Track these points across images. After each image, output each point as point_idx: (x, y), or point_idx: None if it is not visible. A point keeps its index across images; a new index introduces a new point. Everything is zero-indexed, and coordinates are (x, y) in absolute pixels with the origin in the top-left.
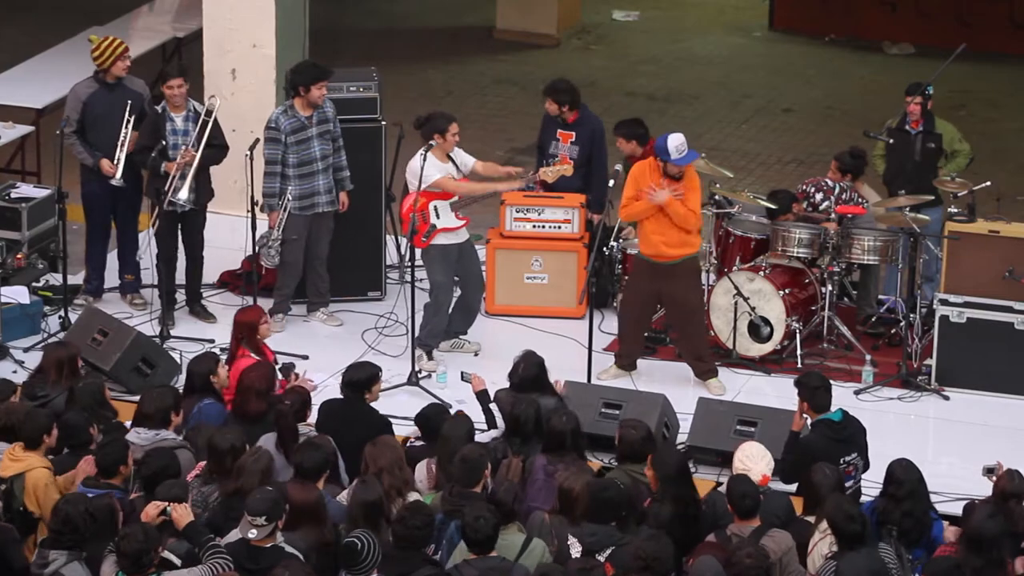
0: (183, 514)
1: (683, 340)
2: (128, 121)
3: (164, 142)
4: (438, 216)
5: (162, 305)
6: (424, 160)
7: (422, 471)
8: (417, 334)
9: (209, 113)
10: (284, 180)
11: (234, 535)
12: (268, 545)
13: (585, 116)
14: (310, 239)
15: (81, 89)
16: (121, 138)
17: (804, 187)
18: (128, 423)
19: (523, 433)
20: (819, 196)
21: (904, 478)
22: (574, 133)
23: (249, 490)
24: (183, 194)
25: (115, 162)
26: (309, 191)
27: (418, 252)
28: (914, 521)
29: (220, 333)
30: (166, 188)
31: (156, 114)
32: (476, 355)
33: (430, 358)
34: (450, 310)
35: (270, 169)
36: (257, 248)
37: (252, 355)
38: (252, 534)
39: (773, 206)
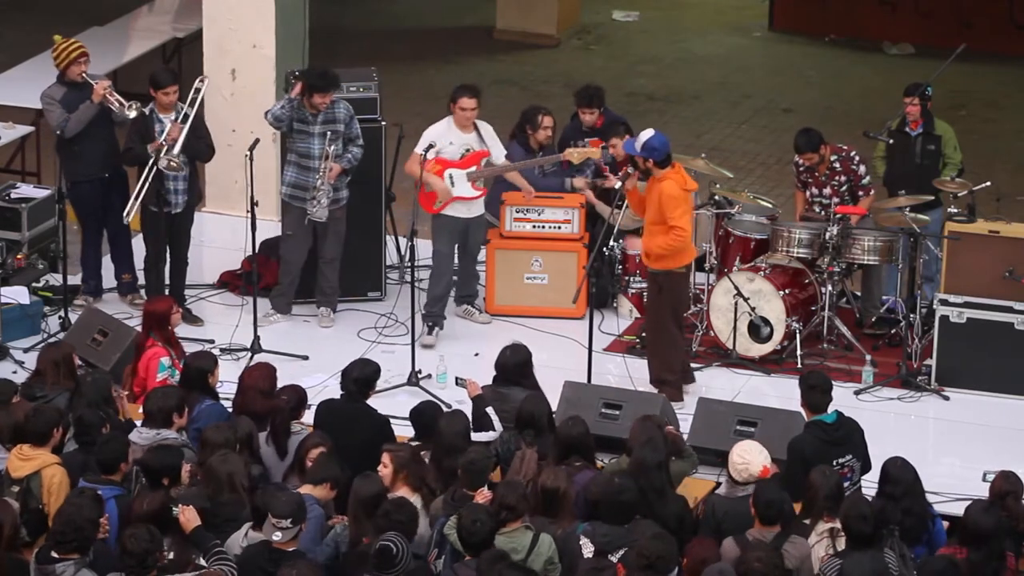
0: (191, 517)
1: (649, 357)
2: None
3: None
4: (453, 185)
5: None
6: (440, 129)
7: None
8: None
9: (198, 91)
10: (286, 166)
11: (256, 536)
12: (291, 549)
13: (606, 115)
14: (315, 239)
15: (53, 91)
16: None
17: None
18: (139, 423)
19: (537, 426)
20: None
21: (900, 476)
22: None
23: (213, 494)
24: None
25: None
26: (304, 183)
27: (418, 245)
28: (915, 519)
29: (221, 333)
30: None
31: (144, 115)
32: (476, 355)
33: (429, 333)
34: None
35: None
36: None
37: (161, 345)
38: (276, 536)
39: (771, 204)
